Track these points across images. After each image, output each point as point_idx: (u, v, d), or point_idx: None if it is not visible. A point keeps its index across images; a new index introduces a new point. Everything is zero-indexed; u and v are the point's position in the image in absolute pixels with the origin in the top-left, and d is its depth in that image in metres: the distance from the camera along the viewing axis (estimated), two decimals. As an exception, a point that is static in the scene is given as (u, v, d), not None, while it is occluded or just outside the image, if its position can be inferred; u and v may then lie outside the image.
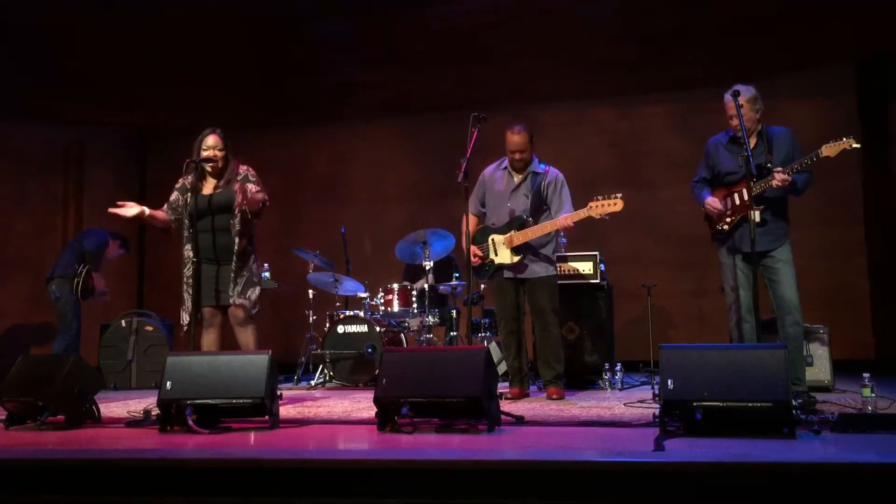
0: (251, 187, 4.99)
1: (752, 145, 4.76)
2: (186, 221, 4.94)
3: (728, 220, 4.81)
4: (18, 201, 9.31)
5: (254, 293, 5.01)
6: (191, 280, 4.92)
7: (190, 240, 4.94)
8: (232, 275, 4.96)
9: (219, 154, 5.00)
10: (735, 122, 4.72)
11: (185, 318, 4.94)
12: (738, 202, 4.76)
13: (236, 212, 4.95)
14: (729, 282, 4.85)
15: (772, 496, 2.59)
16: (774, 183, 4.52)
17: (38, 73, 8.23)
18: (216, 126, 5.13)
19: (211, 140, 5.02)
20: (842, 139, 4.48)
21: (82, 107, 9.32)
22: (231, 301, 4.95)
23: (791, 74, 8.16)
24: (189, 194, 4.95)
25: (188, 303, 4.94)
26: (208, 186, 5.05)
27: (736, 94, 4.55)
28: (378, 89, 9.04)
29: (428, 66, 8.36)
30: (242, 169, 5.10)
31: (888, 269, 8.00)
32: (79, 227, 9.68)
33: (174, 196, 5.10)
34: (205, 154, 4.98)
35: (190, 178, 5.01)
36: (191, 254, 4.93)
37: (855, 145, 4.47)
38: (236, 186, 4.98)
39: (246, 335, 5.01)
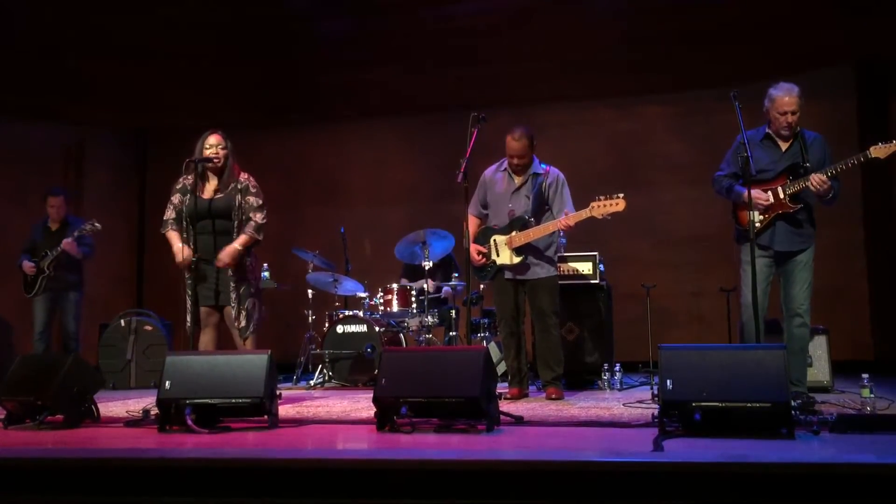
0: (250, 200, 5.02)
1: (787, 145, 4.76)
2: (185, 223, 4.97)
3: (762, 217, 4.74)
4: (18, 201, 9.29)
5: (251, 304, 5.02)
6: (190, 281, 4.93)
7: (189, 241, 4.95)
8: (232, 283, 4.97)
9: (221, 152, 5.01)
10: (792, 118, 4.67)
11: (188, 318, 4.96)
12: (772, 200, 4.69)
13: (236, 224, 4.99)
14: (748, 281, 4.78)
15: (770, 497, 2.59)
16: (811, 184, 4.49)
17: (38, 73, 8.23)
18: (217, 127, 5.15)
19: (213, 139, 5.03)
20: (892, 142, 4.46)
21: (82, 107, 9.32)
22: (229, 305, 4.97)
23: (790, 75, 8.10)
24: (189, 196, 4.96)
25: (188, 303, 4.96)
26: (209, 188, 5.06)
27: (735, 97, 4.50)
28: (378, 89, 9.04)
29: (428, 67, 8.37)
30: (244, 177, 5.10)
31: (887, 270, 8.00)
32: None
33: (177, 199, 5.08)
34: (207, 152, 4.98)
35: (190, 179, 5.02)
36: (194, 254, 4.95)
37: None
38: (244, 199, 5.03)
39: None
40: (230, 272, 4.96)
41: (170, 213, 5.06)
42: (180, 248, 4.91)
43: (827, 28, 7.45)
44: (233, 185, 5.04)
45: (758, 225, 4.74)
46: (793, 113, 4.68)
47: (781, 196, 4.63)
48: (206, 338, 5.05)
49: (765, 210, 4.71)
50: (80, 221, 7.09)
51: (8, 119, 9.08)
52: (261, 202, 5.07)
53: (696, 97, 8.57)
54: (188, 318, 4.93)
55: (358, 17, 7.34)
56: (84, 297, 7.30)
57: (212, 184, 5.07)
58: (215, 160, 4.96)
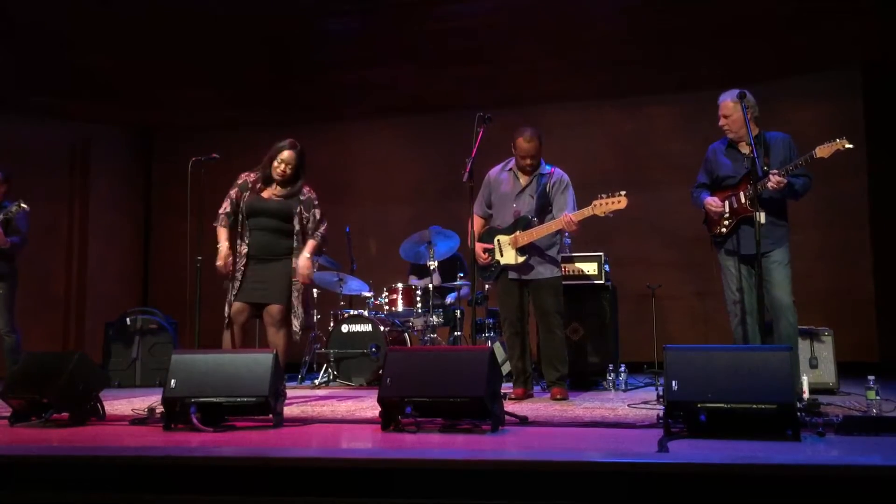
0: (316, 214, 5.13)
1: (749, 150, 4.74)
2: (241, 216, 5.06)
3: (726, 222, 4.78)
4: (23, 198, 9.29)
5: (297, 305, 5.09)
6: (239, 276, 5.00)
7: (243, 237, 5.05)
8: (280, 276, 5.01)
9: (289, 172, 5.07)
10: (722, 122, 4.76)
11: (228, 310, 5.03)
12: (736, 205, 4.73)
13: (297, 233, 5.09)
14: (729, 284, 4.83)
15: (776, 498, 2.59)
16: (770, 185, 4.50)
17: (43, 72, 8.25)
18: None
19: (286, 154, 5.07)
20: (835, 140, 4.46)
21: (88, 105, 9.34)
22: (275, 304, 5.00)
23: (797, 76, 8.15)
24: (247, 192, 5.06)
25: (231, 296, 5.02)
26: (270, 191, 5.11)
27: (742, 96, 4.54)
28: (383, 89, 9.04)
29: (434, 66, 8.37)
30: (306, 190, 5.16)
31: (893, 271, 7.98)
32: (84, 226, 9.70)
33: (235, 193, 5.14)
34: (276, 167, 5.04)
35: (252, 176, 5.09)
36: (246, 250, 5.03)
37: (847, 146, 4.45)
38: (306, 212, 5.13)
39: (279, 337, 5.03)
40: (282, 267, 5.03)
41: (225, 206, 5.13)
42: (225, 249, 5.00)
43: (833, 29, 7.42)
44: (296, 194, 5.12)
45: (723, 231, 4.78)
46: (725, 116, 4.74)
47: (742, 201, 4.64)
48: (230, 335, 5.05)
49: (730, 215, 4.74)
50: (9, 204, 6.51)
51: (14, 117, 9.10)
52: (321, 212, 5.18)
53: (701, 97, 8.52)
54: (228, 310, 4.99)
55: (363, 16, 7.34)
56: (15, 289, 6.61)
57: (275, 190, 5.12)
58: (214, 157, 4.99)
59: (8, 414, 4.28)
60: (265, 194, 5.08)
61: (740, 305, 4.75)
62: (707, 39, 7.64)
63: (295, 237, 5.10)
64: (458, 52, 7.94)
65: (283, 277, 5.02)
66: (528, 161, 5.27)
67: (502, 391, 4.08)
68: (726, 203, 4.77)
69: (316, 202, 5.17)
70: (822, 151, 4.48)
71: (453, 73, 8.51)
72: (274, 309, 4.99)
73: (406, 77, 8.73)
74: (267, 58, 8.22)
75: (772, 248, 4.67)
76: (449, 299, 7.06)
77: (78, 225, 9.72)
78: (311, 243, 5.09)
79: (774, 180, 4.49)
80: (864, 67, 8.27)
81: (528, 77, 8.64)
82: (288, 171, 5.07)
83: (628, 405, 4.73)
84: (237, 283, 5.00)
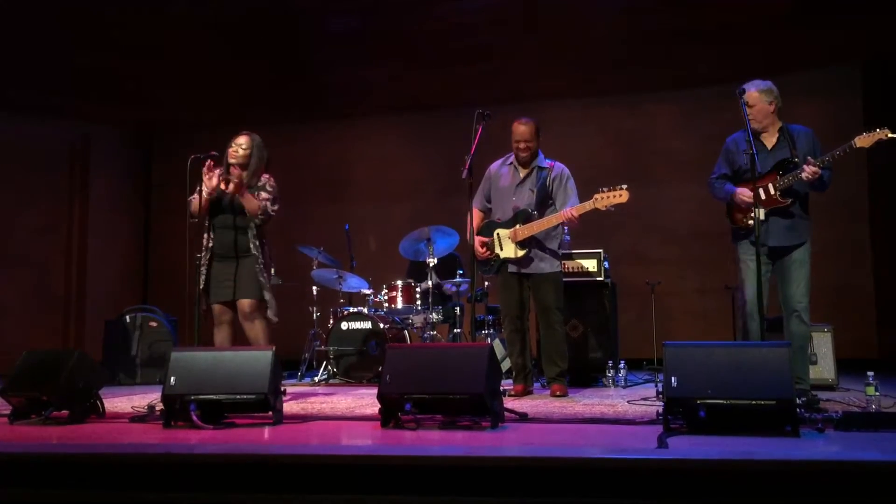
0: (262, 195, 5.07)
1: (774, 141, 4.72)
2: (206, 215, 5.08)
3: (753, 214, 4.72)
4: (24, 197, 9.34)
5: (270, 296, 5.10)
6: (205, 271, 5.03)
7: (208, 231, 5.06)
8: (245, 273, 5.02)
9: (242, 153, 5.10)
10: (749, 110, 4.66)
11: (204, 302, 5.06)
12: (763, 197, 4.67)
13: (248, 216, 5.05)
14: (748, 280, 4.77)
15: (775, 494, 2.59)
16: (804, 175, 4.46)
17: (44, 70, 8.26)
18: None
19: (241, 139, 5.15)
20: (875, 130, 4.40)
21: (88, 104, 9.35)
22: (246, 298, 5.02)
23: (797, 74, 8.13)
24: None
25: (202, 290, 5.04)
26: (230, 186, 5.11)
27: (742, 93, 4.52)
28: (384, 87, 9.05)
29: (433, 64, 8.38)
30: (264, 178, 5.17)
31: (893, 268, 7.99)
32: (84, 223, 9.72)
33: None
34: (231, 150, 5.08)
35: (218, 171, 5.09)
36: (211, 244, 5.05)
37: (891, 135, 4.38)
38: (256, 194, 5.09)
39: (254, 330, 5.06)
40: (245, 264, 5.03)
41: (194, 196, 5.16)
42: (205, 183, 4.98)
43: (834, 27, 7.42)
44: (254, 186, 5.12)
45: (750, 223, 4.73)
46: (749, 106, 4.66)
47: (772, 192, 4.61)
48: (221, 336, 5.08)
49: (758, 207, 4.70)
50: None
51: (14, 116, 9.11)
52: (272, 196, 5.13)
53: (701, 95, 8.56)
54: (202, 305, 5.00)
55: (364, 14, 7.34)
56: None
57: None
58: (213, 155, 4.99)
59: (8, 412, 4.28)
60: (225, 189, 5.09)
61: (752, 301, 4.70)
62: (707, 37, 7.64)
63: (253, 232, 5.09)
64: (459, 50, 7.94)
65: (248, 272, 5.04)
66: (523, 145, 5.26)
67: (502, 388, 4.08)
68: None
69: (269, 188, 5.13)
70: (863, 141, 4.43)
71: (453, 71, 8.51)
72: (244, 303, 5.03)
73: (406, 76, 8.74)
74: (267, 58, 8.23)
75: (797, 243, 4.63)
76: (447, 287, 7.05)
77: (78, 224, 9.74)
78: (253, 196, 5.02)
79: (809, 171, 4.44)
80: (863, 65, 8.27)
81: (529, 75, 8.65)
82: (240, 152, 5.10)
83: (628, 402, 4.73)
84: (203, 279, 5.04)
